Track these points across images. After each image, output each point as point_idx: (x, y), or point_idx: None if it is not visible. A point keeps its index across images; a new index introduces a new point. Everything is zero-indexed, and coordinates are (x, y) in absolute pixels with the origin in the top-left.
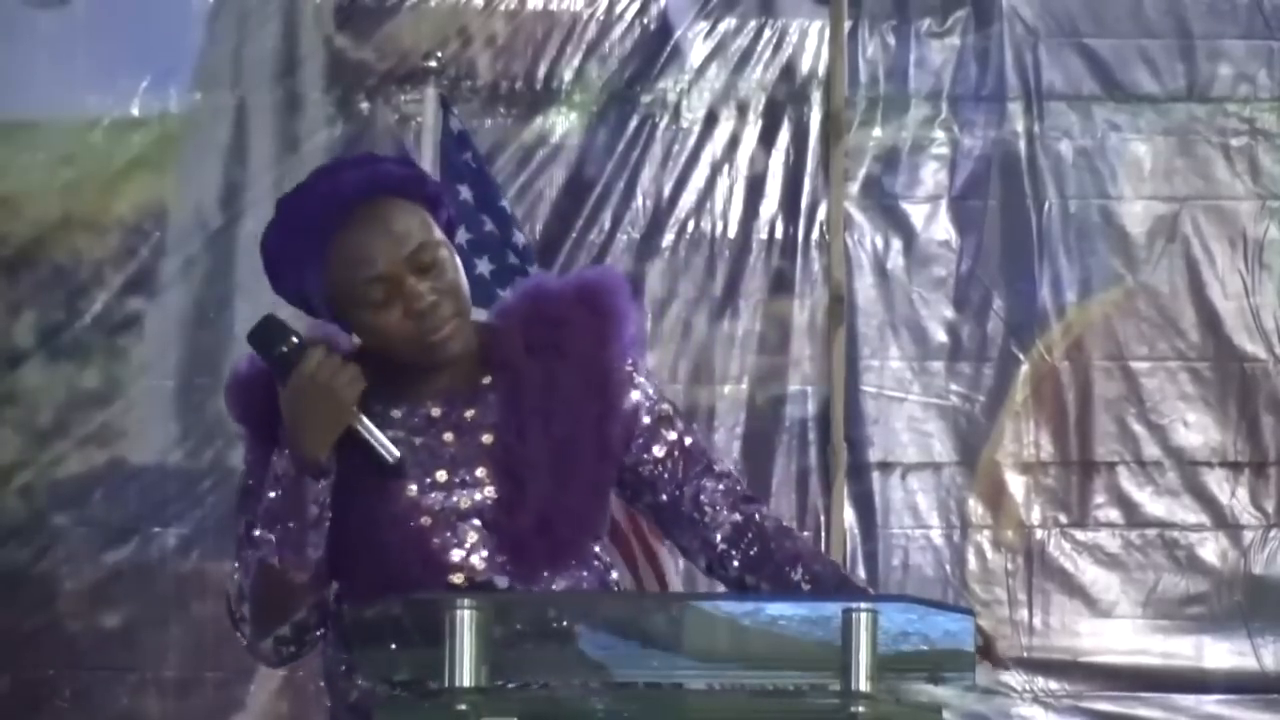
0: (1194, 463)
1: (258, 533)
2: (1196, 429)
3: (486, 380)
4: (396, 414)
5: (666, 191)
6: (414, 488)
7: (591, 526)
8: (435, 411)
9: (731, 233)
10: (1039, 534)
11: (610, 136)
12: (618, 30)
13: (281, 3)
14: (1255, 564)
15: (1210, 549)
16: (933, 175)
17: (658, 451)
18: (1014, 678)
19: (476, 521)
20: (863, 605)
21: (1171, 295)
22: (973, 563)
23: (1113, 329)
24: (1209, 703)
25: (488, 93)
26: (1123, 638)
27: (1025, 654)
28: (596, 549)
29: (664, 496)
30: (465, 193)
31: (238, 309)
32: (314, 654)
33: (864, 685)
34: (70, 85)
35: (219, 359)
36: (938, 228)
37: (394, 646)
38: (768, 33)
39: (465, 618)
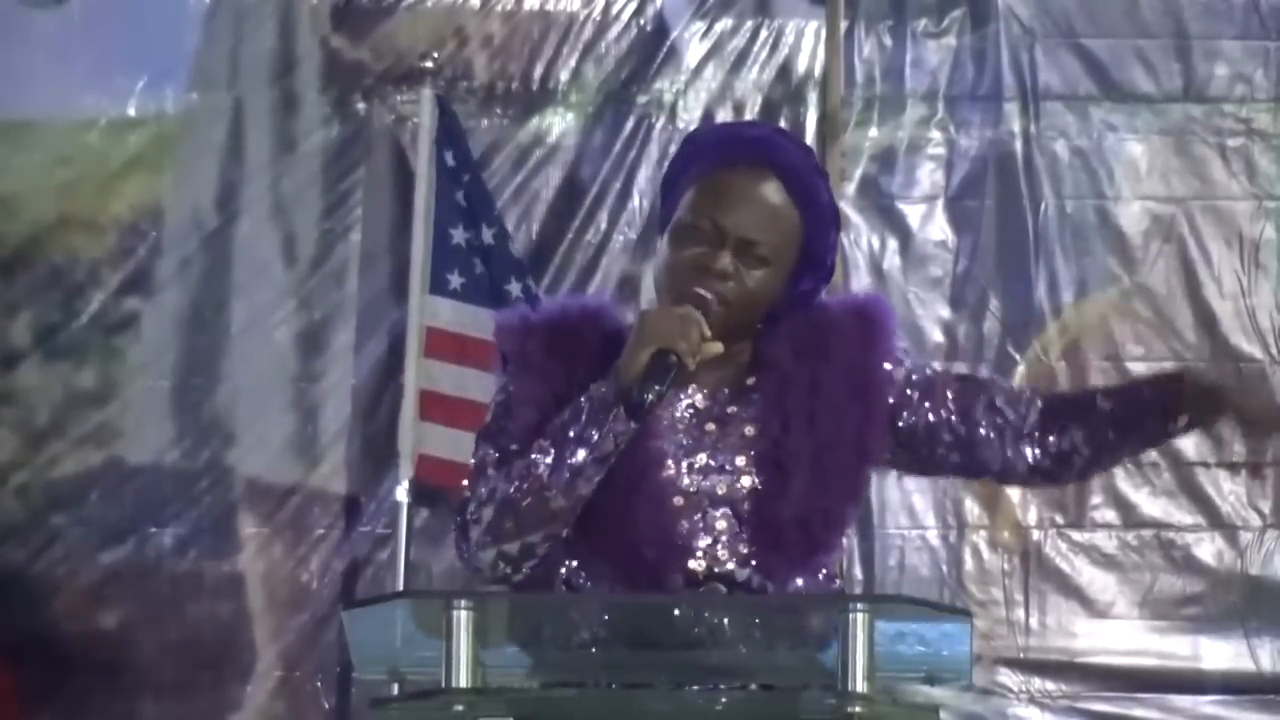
0: (1190, 463)
1: (542, 453)
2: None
3: (751, 380)
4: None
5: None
6: (672, 467)
7: (843, 528)
8: (701, 402)
9: None
10: (1035, 534)
11: (606, 137)
12: (614, 31)
13: (278, 3)
14: (1252, 564)
15: (1207, 549)
16: (929, 175)
17: (955, 404)
18: (1011, 678)
19: (728, 510)
20: (860, 606)
21: (1168, 295)
22: (969, 563)
23: (1109, 329)
24: (1205, 703)
25: (484, 93)
26: (1119, 638)
27: (1022, 654)
28: (826, 564)
29: (960, 431)
30: (461, 195)
31: (234, 309)
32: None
33: (860, 686)
34: (67, 86)
35: (215, 359)
36: (934, 228)
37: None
38: (764, 33)
39: (462, 618)
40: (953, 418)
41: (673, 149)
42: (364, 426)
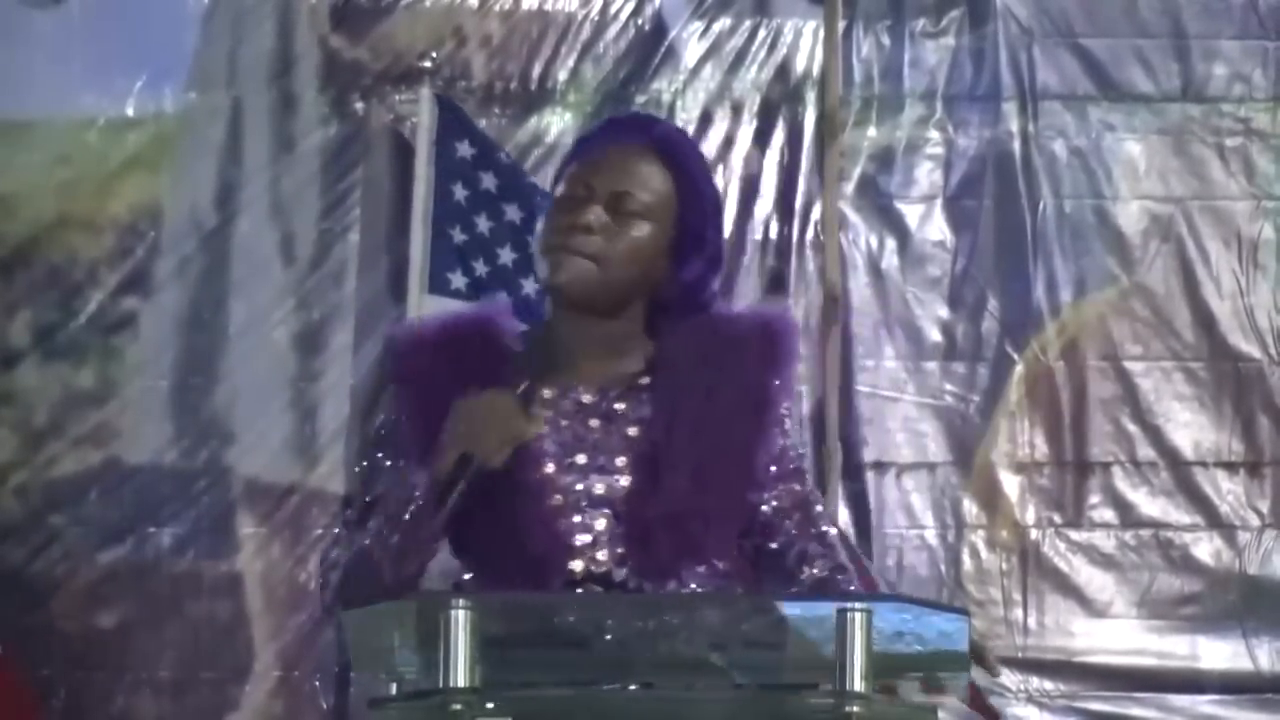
0: (1189, 463)
1: (375, 525)
2: (1191, 429)
3: (645, 380)
4: (548, 394)
5: None
6: (551, 466)
7: (720, 538)
8: (586, 398)
9: (726, 233)
10: (1034, 534)
11: None
12: (612, 30)
13: (276, 3)
14: (1250, 564)
15: (1205, 549)
16: (927, 175)
17: (784, 500)
18: (1009, 678)
19: (608, 510)
20: (857, 605)
21: (1166, 295)
22: (967, 563)
23: (1108, 329)
24: (1204, 703)
25: (482, 93)
26: (1118, 638)
27: (1020, 654)
28: (721, 566)
29: (774, 544)
30: (459, 192)
31: (233, 309)
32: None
33: (858, 685)
34: (65, 85)
35: (214, 359)
36: (932, 228)
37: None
38: (762, 33)
39: (460, 618)
40: (781, 538)
41: None
42: (363, 426)
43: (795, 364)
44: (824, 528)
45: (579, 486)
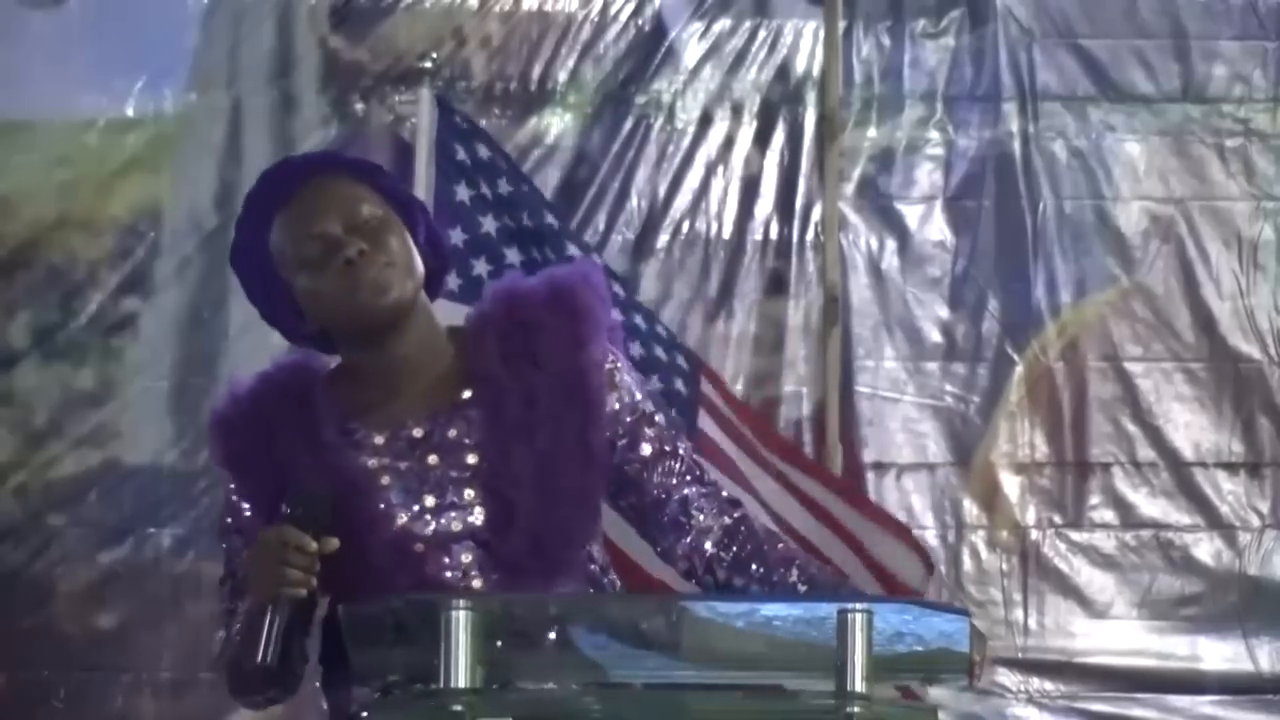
0: (1189, 463)
1: (224, 632)
2: (1192, 430)
3: (466, 395)
4: (379, 440)
5: (661, 192)
6: (403, 516)
7: (584, 539)
8: (417, 432)
9: (726, 234)
10: (1034, 535)
11: (605, 137)
12: (612, 31)
13: (276, 3)
14: (1250, 565)
15: (1205, 550)
16: (927, 176)
17: (644, 450)
18: (1009, 678)
19: (470, 543)
20: (858, 606)
21: (1166, 296)
22: (968, 563)
23: (1108, 329)
24: (1204, 703)
25: (482, 94)
26: (1118, 638)
27: (1020, 654)
28: (593, 550)
29: (648, 498)
30: (462, 193)
31: (232, 310)
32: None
33: (859, 686)
34: (65, 86)
35: (214, 360)
36: (932, 228)
37: (390, 647)
38: (762, 33)
39: (460, 618)
40: (654, 491)
41: (671, 149)
42: None
43: (600, 320)
44: (699, 472)
45: (435, 529)
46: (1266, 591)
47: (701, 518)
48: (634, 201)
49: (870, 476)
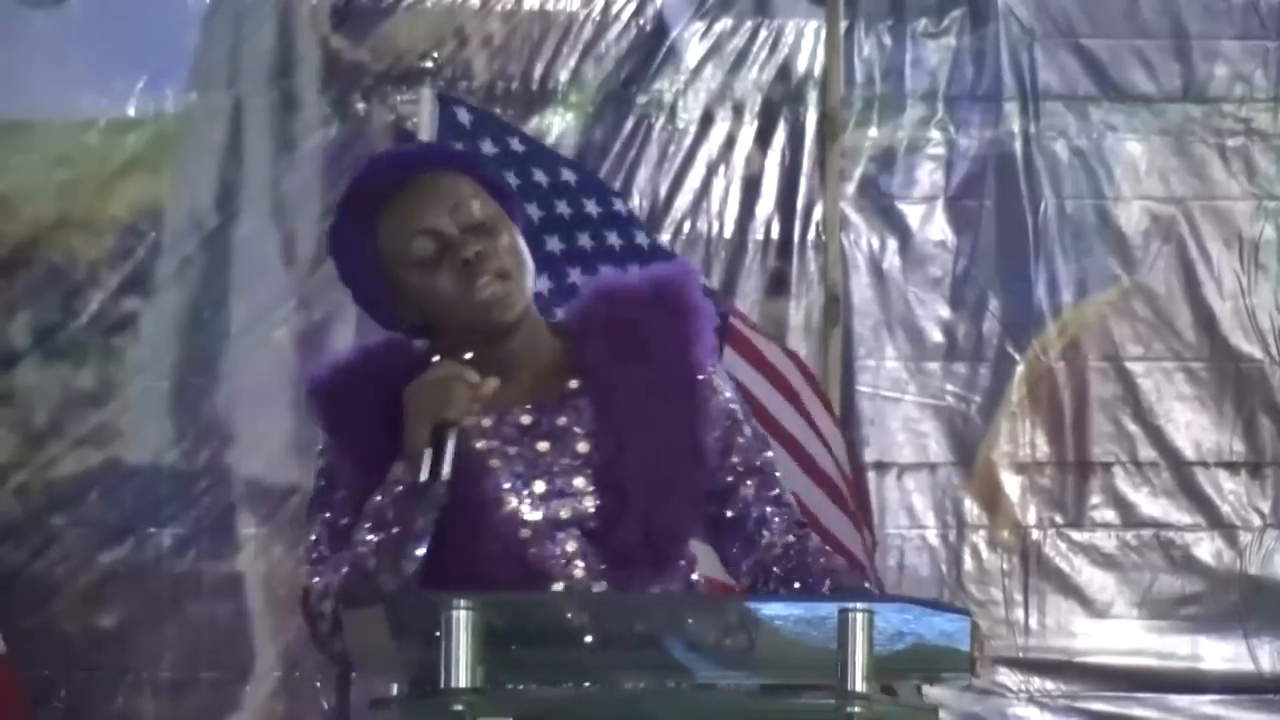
0: (1190, 463)
1: (362, 536)
2: (1192, 429)
3: (573, 385)
4: (486, 423)
5: (662, 192)
6: (512, 501)
7: (690, 533)
8: (525, 419)
9: (728, 233)
10: (1035, 534)
11: (606, 137)
12: (614, 31)
13: (277, 3)
14: (1251, 564)
15: (1206, 549)
16: (929, 175)
17: (734, 459)
18: (1010, 678)
19: (576, 531)
20: (858, 605)
21: (1167, 296)
22: (969, 563)
23: (1109, 329)
24: (1204, 703)
25: (484, 93)
26: (1118, 638)
27: (1021, 654)
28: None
29: (730, 512)
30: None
31: (233, 309)
32: (312, 653)
33: (860, 685)
34: (66, 86)
35: (214, 359)
36: (934, 228)
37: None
38: (764, 33)
39: (461, 618)
40: (738, 504)
41: (672, 149)
42: None
43: (705, 319)
44: (776, 490)
45: (543, 515)
46: (1267, 591)
47: (772, 536)
48: (635, 201)
49: (871, 476)
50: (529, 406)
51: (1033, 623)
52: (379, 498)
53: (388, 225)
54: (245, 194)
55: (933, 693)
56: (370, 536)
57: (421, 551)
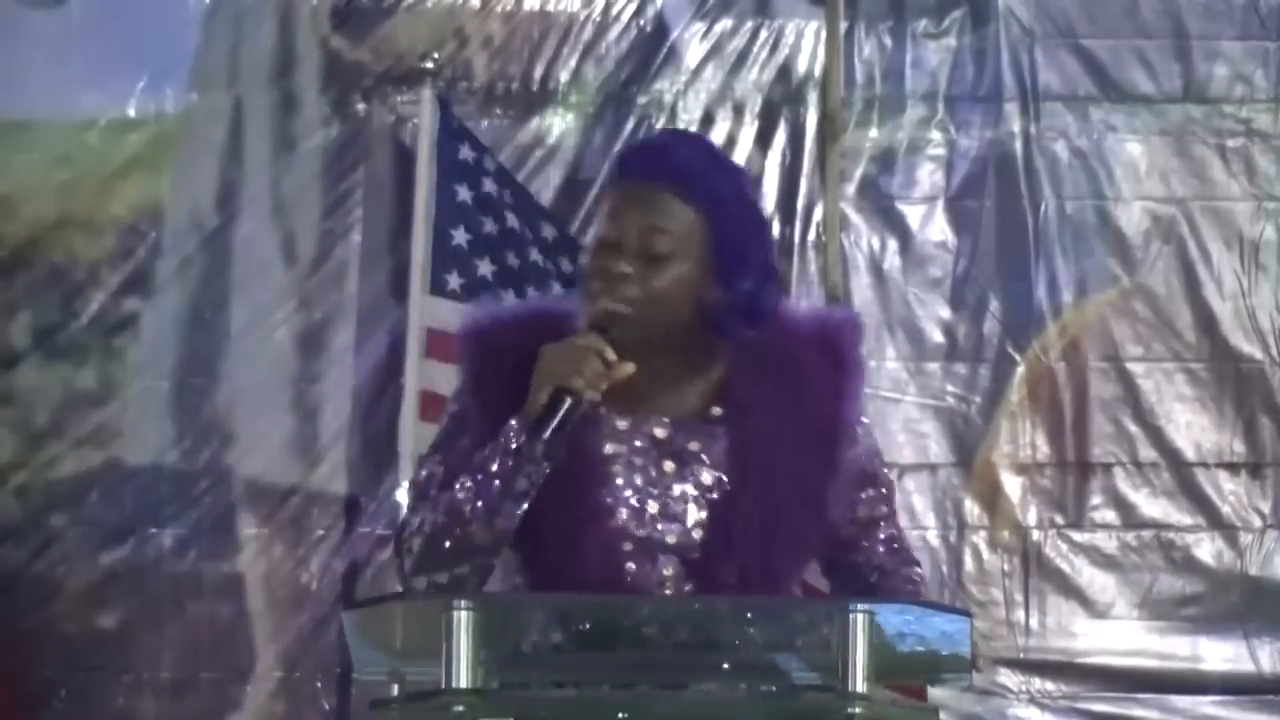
0: (1190, 464)
1: (465, 483)
2: (1193, 430)
3: (716, 411)
4: (622, 425)
5: None
6: (623, 514)
7: (789, 585)
8: (660, 432)
9: None
10: (1035, 535)
11: (606, 137)
12: (614, 31)
13: (277, 4)
14: (1251, 565)
15: (1206, 550)
16: (929, 176)
17: (860, 513)
18: (1011, 678)
19: (676, 558)
20: (859, 606)
21: (1168, 296)
22: (969, 564)
23: (1109, 330)
24: (1205, 703)
25: (484, 94)
26: (1119, 638)
27: (1022, 655)
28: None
29: (850, 559)
30: (464, 193)
31: (234, 309)
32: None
33: (861, 686)
34: (66, 86)
35: (215, 360)
36: (934, 228)
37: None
38: (764, 34)
39: (462, 619)
40: (859, 555)
41: None
42: (364, 427)
43: (863, 375)
44: (897, 543)
45: (650, 535)
46: (1268, 592)
47: (879, 578)
48: None
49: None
50: (667, 420)
51: (1033, 623)
52: (487, 451)
53: (606, 202)
54: (245, 194)
55: (933, 693)
56: (471, 484)
57: (519, 511)
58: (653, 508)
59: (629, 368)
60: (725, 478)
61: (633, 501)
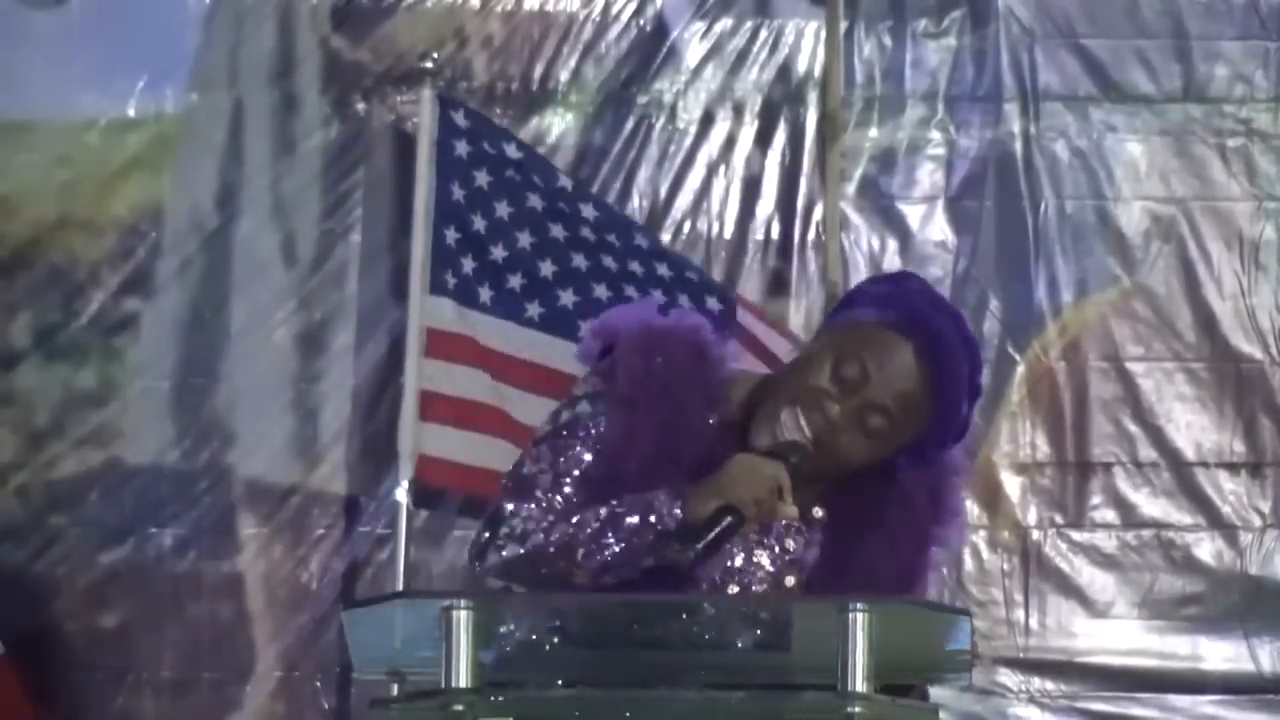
0: (1190, 463)
1: (592, 525)
2: (1193, 430)
3: (818, 513)
4: None
5: (663, 192)
6: (704, 587)
7: None
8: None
9: (728, 234)
10: (1035, 535)
11: (606, 137)
12: (614, 31)
13: (278, 4)
14: (1251, 564)
15: (1206, 549)
16: (929, 176)
17: None
18: (1010, 678)
19: None
20: (858, 606)
21: (1168, 296)
22: (969, 563)
23: (1109, 330)
24: (1205, 703)
25: (484, 94)
26: (1119, 638)
27: (1021, 654)
28: None
29: None
30: (457, 193)
31: (234, 310)
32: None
33: (860, 686)
34: (66, 86)
35: (215, 360)
36: (934, 228)
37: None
38: (764, 33)
39: (462, 618)
40: None
41: (672, 149)
42: (364, 427)
43: (959, 520)
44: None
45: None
46: (1268, 591)
47: None
48: (635, 202)
49: None
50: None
51: (1033, 623)
52: (634, 517)
53: (866, 332)
54: (245, 194)
55: (934, 692)
56: (593, 531)
57: (628, 576)
58: (732, 591)
59: (792, 511)
60: (808, 587)
61: (715, 580)
